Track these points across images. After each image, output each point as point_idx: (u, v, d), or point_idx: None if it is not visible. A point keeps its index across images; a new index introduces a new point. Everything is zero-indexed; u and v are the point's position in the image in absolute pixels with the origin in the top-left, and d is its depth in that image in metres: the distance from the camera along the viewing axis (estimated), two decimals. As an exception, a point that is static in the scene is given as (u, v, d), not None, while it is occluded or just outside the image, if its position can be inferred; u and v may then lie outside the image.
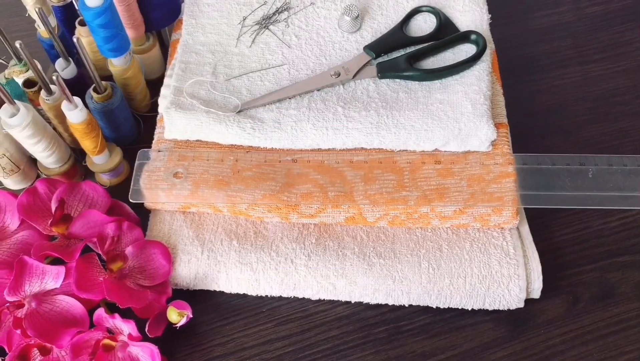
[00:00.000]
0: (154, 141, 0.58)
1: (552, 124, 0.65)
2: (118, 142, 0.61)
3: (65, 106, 0.51)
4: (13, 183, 0.58)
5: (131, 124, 0.61)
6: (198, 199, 0.54)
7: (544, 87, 0.68)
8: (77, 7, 0.60)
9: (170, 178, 0.53)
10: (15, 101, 0.50)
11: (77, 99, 0.51)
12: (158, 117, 0.59)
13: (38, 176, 0.59)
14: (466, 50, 0.59)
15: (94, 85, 0.55)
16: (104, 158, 0.57)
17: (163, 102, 0.58)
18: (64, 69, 0.59)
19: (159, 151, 0.55)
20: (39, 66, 0.56)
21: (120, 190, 0.60)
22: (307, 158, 0.55)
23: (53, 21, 0.60)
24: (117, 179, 0.60)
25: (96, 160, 0.57)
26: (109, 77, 0.61)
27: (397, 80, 0.58)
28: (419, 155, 0.55)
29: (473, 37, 0.58)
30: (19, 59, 0.57)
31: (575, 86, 0.68)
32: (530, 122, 0.65)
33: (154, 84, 0.65)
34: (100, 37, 0.54)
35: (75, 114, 0.51)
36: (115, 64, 0.58)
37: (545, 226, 0.59)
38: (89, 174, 0.60)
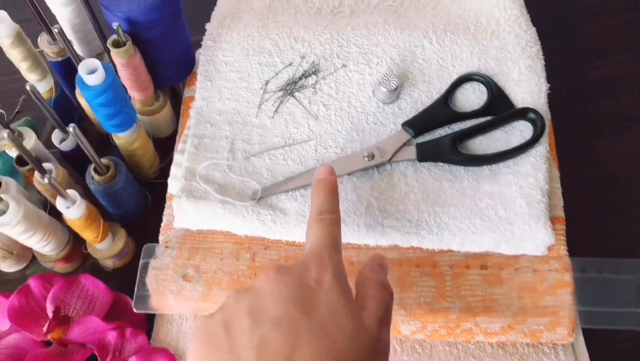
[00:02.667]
0: (162, 225, 0.51)
1: (610, 202, 0.57)
2: (122, 217, 0.55)
3: (60, 203, 0.44)
4: (7, 266, 0.52)
5: (137, 199, 0.54)
6: (211, 302, 0.47)
7: (601, 155, 0.60)
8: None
9: (179, 280, 0.47)
10: (3, 196, 0.44)
11: (72, 193, 0.45)
12: (167, 194, 0.53)
13: (34, 257, 0.54)
14: (520, 128, 0.52)
15: (93, 165, 0.49)
16: (106, 243, 0.51)
17: (173, 183, 0.51)
18: (61, 141, 0.52)
19: (166, 247, 0.49)
20: (33, 140, 0.50)
21: (125, 273, 0.54)
22: (335, 255, 0.48)
23: (49, 84, 0.53)
24: (122, 261, 0.54)
25: (98, 246, 0.51)
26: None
27: (440, 163, 0.50)
28: (462, 256, 0.48)
29: (531, 115, 0.51)
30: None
31: (640, 155, 0.60)
32: (584, 200, 0.57)
33: (164, 144, 0.59)
34: (102, 115, 0.47)
35: (72, 211, 0.45)
36: (120, 137, 0.51)
37: (601, 331, 0.52)
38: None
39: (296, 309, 0.32)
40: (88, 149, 0.45)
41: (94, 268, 0.54)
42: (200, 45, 0.59)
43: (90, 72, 0.44)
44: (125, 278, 0.53)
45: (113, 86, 0.45)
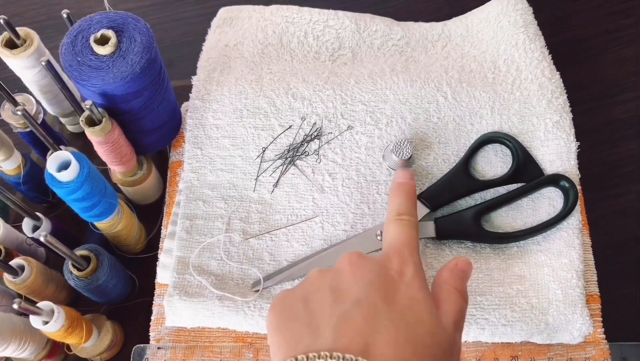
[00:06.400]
0: (152, 318, 0.46)
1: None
2: (107, 304, 0.49)
3: (35, 321, 0.39)
4: (-21, 368, 0.47)
5: (123, 284, 0.48)
6: (212, 410, 0.42)
7: (631, 205, 0.55)
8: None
9: (175, 390, 0.42)
10: (-31, 314, 0.38)
11: (47, 306, 0.39)
12: (156, 281, 0.47)
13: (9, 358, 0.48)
14: (549, 196, 0.46)
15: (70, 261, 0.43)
16: (92, 342, 0.45)
17: (163, 273, 0.46)
18: (33, 229, 0.46)
19: (158, 348, 0.43)
20: (1, 231, 0.44)
21: (116, 363, 0.49)
22: (349, 350, 0.43)
23: (16, 161, 0.47)
24: (110, 353, 0.48)
25: (83, 345, 0.45)
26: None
27: (463, 240, 0.45)
28: (490, 346, 0.44)
29: (563, 183, 0.45)
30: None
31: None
32: (618, 267, 0.52)
33: (150, 211, 0.53)
34: (79, 208, 0.41)
35: (50, 326, 0.39)
36: (102, 222, 0.45)
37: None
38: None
39: (377, 294, 0.31)
40: (64, 251, 0.39)
41: (80, 359, 0.48)
42: (184, 90, 0.53)
43: (61, 169, 0.38)
44: (114, 372, 0.48)
45: (89, 178, 0.39)
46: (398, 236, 0.36)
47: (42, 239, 0.37)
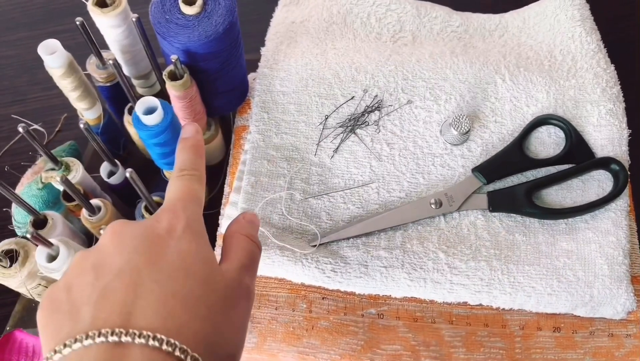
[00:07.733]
0: (213, 267, 0.49)
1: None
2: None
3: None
4: (49, 301, 0.50)
5: (186, 235, 0.51)
6: (265, 354, 0.45)
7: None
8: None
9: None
10: (53, 241, 0.41)
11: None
12: (218, 233, 0.50)
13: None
14: (599, 178, 0.48)
15: (144, 203, 0.46)
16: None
17: (227, 223, 0.48)
18: (110, 174, 0.49)
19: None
20: (80, 173, 0.48)
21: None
22: (396, 310, 0.46)
23: (97, 111, 0.50)
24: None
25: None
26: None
27: (512, 214, 0.47)
28: (534, 316, 0.45)
29: (613, 167, 0.47)
30: (56, 163, 0.47)
31: None
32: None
33: (212, 171, 0.56)
34: (156, 153, 0.45)
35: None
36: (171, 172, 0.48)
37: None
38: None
39: (141, 258, 0.30)
40: (143, 191, 0.42)
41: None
42: (250, 63, 0.56)
43: (148, 112, 0.41)
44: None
45: (172, 125, 0.42)
46: (174, 192, 0.35)
47: (127, 174, 0.40)
